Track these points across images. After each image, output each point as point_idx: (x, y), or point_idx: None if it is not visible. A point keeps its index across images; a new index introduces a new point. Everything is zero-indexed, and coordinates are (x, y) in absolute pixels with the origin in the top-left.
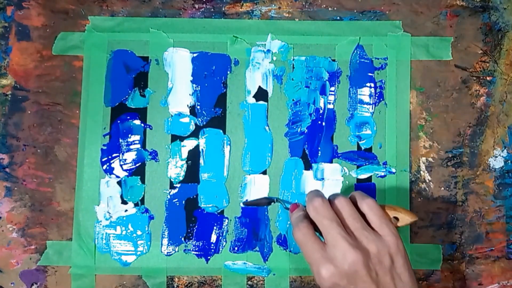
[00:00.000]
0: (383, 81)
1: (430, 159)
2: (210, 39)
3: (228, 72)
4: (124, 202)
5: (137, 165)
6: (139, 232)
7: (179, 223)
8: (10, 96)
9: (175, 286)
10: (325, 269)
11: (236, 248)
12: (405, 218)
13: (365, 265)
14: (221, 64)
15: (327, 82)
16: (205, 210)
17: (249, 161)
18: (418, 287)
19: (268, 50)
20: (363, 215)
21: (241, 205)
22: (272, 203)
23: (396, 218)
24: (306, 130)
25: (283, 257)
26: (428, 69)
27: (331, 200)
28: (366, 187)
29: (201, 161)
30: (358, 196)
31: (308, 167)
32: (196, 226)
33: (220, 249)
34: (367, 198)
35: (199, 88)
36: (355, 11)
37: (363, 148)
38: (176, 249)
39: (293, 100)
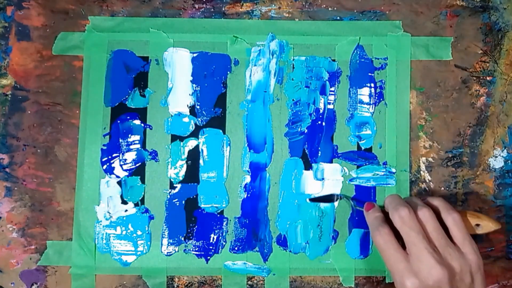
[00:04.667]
0: (383, 81)
1: (430, 159)
2: (210, 39)
3: (228, 72)
4: (124, 202)
5: (137, 165)
6: (139, 232)
7: (179, 223)
8: (10, 96)
9: (175, 286)
10: (410, 282)
11: (236, 248)
12: (488, 226)
13: (449, 282)
14: (221, 64)
15: (327, 82)
16: (205, 210)
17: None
18: None
19: (268, 50)
20: (444, 226)
21: (307, 200)
22: (339, 200)
23: (478, 225)
24: (306, 130)
25: (283, 257)
26: (428, 69)
27: (414, 210)
28: (366, 187)
29: (201, 161)
30: (442, 208)
31: (308, 167)
32: (196, 226)
33: (220, 249)
34: (453, 212)
35: (199, 88)
36: (355, 11)
37: (363, 148)
38: (176, 249)
39: (293, 100)
